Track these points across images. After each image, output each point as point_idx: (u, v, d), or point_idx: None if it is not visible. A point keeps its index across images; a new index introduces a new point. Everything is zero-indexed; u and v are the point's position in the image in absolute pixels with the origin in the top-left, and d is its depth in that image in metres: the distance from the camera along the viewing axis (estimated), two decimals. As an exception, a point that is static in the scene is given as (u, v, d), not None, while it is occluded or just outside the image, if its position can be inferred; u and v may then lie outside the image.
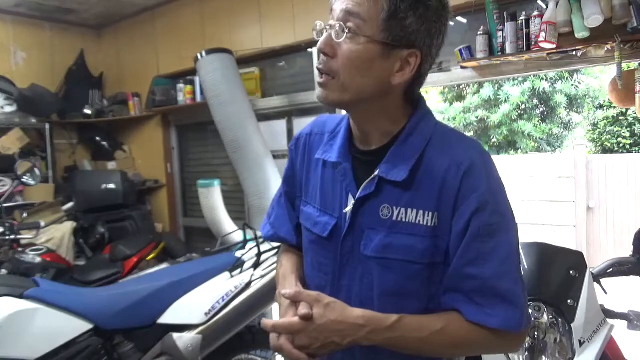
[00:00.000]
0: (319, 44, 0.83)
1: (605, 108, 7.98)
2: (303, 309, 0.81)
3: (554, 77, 7.44)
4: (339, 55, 0.82)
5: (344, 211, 0.90)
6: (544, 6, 2.13)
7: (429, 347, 0.82)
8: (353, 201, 0.88)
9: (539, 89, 7.34)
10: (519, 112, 7.68)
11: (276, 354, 2.27)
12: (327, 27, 0.83)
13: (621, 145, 7.82)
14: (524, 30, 2.19)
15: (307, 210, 0.99)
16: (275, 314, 2.90)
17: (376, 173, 0.86)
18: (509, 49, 2.24)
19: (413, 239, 0.84)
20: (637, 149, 7.74)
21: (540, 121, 7.81)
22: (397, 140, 0.87)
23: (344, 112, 0.96)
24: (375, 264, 0.86)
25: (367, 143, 0.92)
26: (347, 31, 0.80)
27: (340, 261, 0.91)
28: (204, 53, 3.04)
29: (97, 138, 4.33)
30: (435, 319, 0.83)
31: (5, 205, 2.65)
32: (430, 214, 0.83)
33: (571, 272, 1.47)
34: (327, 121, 1.02)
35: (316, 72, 0.88)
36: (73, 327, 1.73)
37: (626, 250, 1.70)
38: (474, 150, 0.85)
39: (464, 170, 0.82)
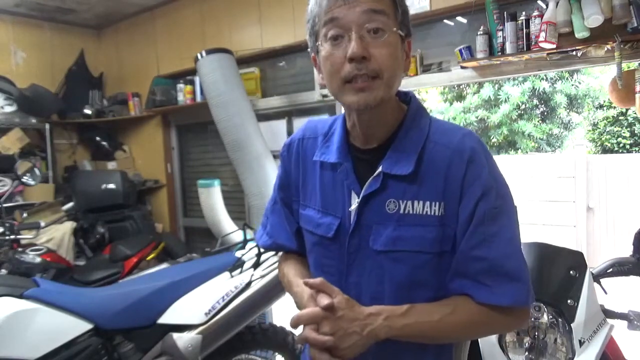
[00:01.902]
0: (355, 52, 0.81)
1: (605, 108, 7.98)
2: (324, 300, 0.81)
3: (554, 77, 7.45)
4: (375, 55, 0.82)
5: (349, 209, 0.91)
6: (544, 6, 2.13)
7: (441, 331, 0.85)
8: (357, 199, 0.89)
9: (539, 89, 7.35)
10: (519, 112, 7.68)
11: (276, 353, 2.28)
12: (349, 34, 0.82)
13: (621, 145, 7.82)
14: (524, 30, 2.19)
15: (307, 214, 0.99)
16: (275, 314, 2.91)
17: (380, 169, 0.88)
18: (509, 49, 2.24)
19: (422, 230, 0.86)
20: (637, 149, 7.74)
21: (540, 121, 7.82)
22: (397, 137, 0.90)
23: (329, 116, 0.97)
24: (385, 258, 0.88)
25: (367, 142, 0.93)
26: (383, 29, 0.83)
27: (347, 259, 0.92)
28: (204, 53, 3.04)
29: (97, 138, 4.33)
30: (444, 303, 0.87)
31: (5, 205, 2.65)
32: (437, 203, 0.86)
33: (571, 272, 1.47)
34: (317, 125, 1.03)
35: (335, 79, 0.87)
36: (73, 327, 1.73)
37: (626, 250, 1.70)
38: (472, 139, 0.89)
39: (466, 159, 0.86)
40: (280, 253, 1.14)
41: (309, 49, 0.95)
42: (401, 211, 0.87)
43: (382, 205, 0.88)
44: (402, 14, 0.87)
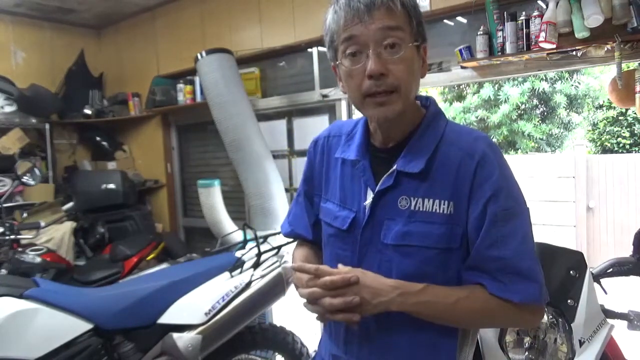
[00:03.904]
0: (373, 69, 0.86)
1: (605, 108, 7.98)
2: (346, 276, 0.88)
3: (554, 77, 7.43)
4: (393, 71, 0.87)
5: (363, 204, 0.96)
6: (544, 6, 2.12)
7: (455, 313, 0.89)
8: (372, 195, 0.95)
9: (538, 89, 7.34)
10: (519, 112, 7.67)
11: (276, 353, 2.28)
12: (367, 51, 0.87)
13: (621, 145, 7.82)
14: (524, 30, 2.19)
15: (327, 207, 1.06)
16: (275, 314, 2.91)
17: (394, 167, 0.93)
18: (509, 49, 2.24)
19: (430, 226, 0.90)
20: (637, 149, 7.74)
21: (540, 121, 7.81)
22: (413, 137, 0.95)
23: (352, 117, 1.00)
24: (394, 252, 0.92)
25: (385, 142, 0.98)
26: (397, 44, 0.87)
27: (359, 251, 0.96)
28: (204, 53, 3.04)
29: (97, 138, 4.33)
30: (460, 288, 0.90)
31: (5, 205, 2.65)
32: (446, 202, 0.90)
33: (571, 272, 1.47)
34: (343, 125, 1.10)
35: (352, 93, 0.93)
36: (73, 327, 1.73)
37: (626, 250, 1.70)
38: (484, 142, 0.92)
39: (477, 160, 0.89)
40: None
41: (329, 59, 1.01)
42: (412, 208, 0.91)
43: (395, 201, 0.93)
44: (417, 24, 0.91)
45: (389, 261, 0.93)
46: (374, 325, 0.95)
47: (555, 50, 2.12)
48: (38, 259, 2.53)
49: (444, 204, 0.89)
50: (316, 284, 0.89)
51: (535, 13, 2.12)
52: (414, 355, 0.94)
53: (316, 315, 0.91)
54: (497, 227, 0.87)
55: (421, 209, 0.91)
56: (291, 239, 1.26)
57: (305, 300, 0.92)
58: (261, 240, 2.08)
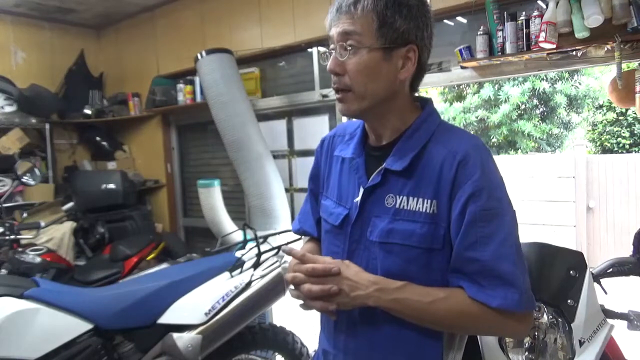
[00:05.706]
0: (328, 66, 0.93)
1: (605, 108, 7.98)
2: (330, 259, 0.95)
3: (554, 77, 7.44)
4: (348, 71, 0.92)
5: (354, 201, 0.99)
6: (544, 6, 2.12)
7: (431, 313, 0.88)
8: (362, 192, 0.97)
9: (538, 89, 7.35)
10: (519, 112, 7.68)
11: (276, 353, 2.28)
12: (331, 51, 0.94)
13: (621, 145, 7.82)
14: (524, 30, 2.19)
15: (325, 203, 1.09)
16: (275, 314, 2.91)
17: (383, 166, 0.95)
18: (509, 49, 2.24)
19: (413, 225, 0.91)
20: (637, 149, 7.74)
21: (540, 121, 7.82)
22: (404, 136, 0.96)
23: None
24: (379, 249, 0.94)
25: (378, 141, 1.01)
26: (349, 48, 0.90)
27: (349, 247, 0.99)
28: (204, 53, 3.04)
29: (97, 138, 4.33)
30: (439, 289, 0.90)
31: (5, 205, 2.65)
32: (429, 201, 0.90)
33: (571, 272, 1.47)
34: (348, 126, 1.14)
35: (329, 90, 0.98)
36: (73, 327, 1.73)
37: (626, 250, 1.70)
38: (470, 142, 0.92)
39: (458, 160, 0.89)
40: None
41: None
42: (397, 206, 0.93)
43: (382, 199, 0.95)
44: (387, 27, 0.89)
45: (374, 258, 0.94)
46: (359, 320, 0.97)
47: (555, 50, 2.12)
48: (38, 259, 2.53)
49: (427, 203, 0.90)
50: (300, 269, 0.93)
51: (535, 13, 2.12)
52: (398, 352, 0.95)
53: (299, 303, 0.95)
54: (476, 228, 0.85)
55: (405, 207, 0.92)
56: (291, 240, 1.28)
57: (291, 286, 0.96)
58: (261, 240, 2.08)
